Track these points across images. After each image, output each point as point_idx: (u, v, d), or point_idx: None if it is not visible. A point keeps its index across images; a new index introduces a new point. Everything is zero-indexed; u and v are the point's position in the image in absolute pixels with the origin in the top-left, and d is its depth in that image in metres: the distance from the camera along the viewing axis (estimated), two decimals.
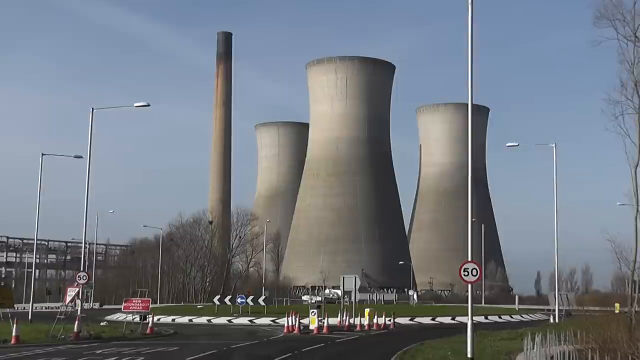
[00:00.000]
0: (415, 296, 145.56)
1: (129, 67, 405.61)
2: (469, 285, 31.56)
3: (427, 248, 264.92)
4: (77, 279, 55.10)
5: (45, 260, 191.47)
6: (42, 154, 68.24)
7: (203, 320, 77.87)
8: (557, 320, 69.65)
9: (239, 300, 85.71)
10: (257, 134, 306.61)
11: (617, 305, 43.96)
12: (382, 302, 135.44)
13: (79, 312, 52.30)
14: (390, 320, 66.20)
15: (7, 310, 60.20)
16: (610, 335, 26.70)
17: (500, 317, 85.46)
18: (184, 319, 78.91)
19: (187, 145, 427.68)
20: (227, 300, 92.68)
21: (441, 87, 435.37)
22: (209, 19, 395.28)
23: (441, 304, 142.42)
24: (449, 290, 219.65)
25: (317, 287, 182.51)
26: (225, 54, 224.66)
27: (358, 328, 62.14)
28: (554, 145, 70.40)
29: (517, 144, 67.70)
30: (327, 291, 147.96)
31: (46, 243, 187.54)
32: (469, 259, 31.01)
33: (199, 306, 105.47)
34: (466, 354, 30.23)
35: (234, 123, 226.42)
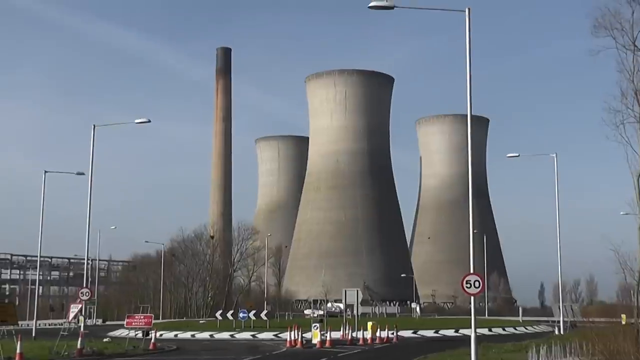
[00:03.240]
0: (418, 309, 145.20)
1: (130, 83, 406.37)
2: (472, 297, 31.44)
3: (429, 260, 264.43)
4: (79, 295, 54.98)
5: (49, 277, 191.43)
6: (45, 172, 68.23)
7: (205, 335, 77.72)
8: (562, 332, 69.48)
9: (241, 314, 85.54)
10: (258, 149, 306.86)
11: (623, 316, 43.61)
12: (385, 315, 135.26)
13: (81, 329, 52.15)
14: (393, 333, 66.08)
15: (11, 327, 60.07)
16: (617, 346, 26.57)
17: (504, 329, 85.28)
18: (187, 335, 78.77)
19: (187, 161, 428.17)
20: (229, 315, 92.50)
21: (440, 99, 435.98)
22: (207, 35, 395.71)
23: (444, 317, 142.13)
24: (452, 303, 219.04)
25: (319, 301, 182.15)
26: (224, 69, 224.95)
27: (361, 342, 61.96)
28: (554, 155, 70.37)
29: (517, 154, 67.68)
30: (329, 305, 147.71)
31: (49, 260, 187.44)
32: (471, 271, 30.88)
33: (201, 321, 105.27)
34: None
35: (234, 138, 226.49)
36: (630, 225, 31.80)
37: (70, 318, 55.15)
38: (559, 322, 74.61)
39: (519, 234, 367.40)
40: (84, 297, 54.01)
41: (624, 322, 39.43)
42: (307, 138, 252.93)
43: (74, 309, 54.94)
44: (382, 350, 54.93)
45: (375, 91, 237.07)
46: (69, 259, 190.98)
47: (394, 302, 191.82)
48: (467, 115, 32.30)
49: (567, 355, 30.99)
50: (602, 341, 28.10)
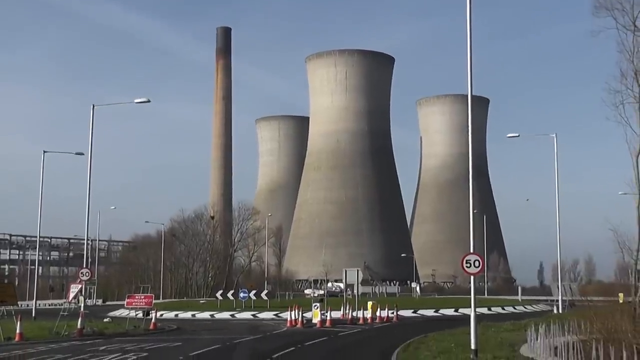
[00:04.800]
0: (418, 288, 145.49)
1: (129, 64, 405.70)
2: (472, 277, 31.49)
3: (429, 240, 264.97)
4: (79, 275, 55.12)
5: (48, 257, 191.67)
6: (44, 152, 68.15)
7: (206, 315, 77.95)
8: (560, 311, 69.69)
9: (241, 294, 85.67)
10: (258, 128, 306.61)
11: (620, 295, 43.68)
12: (385, 295, 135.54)
13: (82, 309, 52.32)
14: (393, 312, 66.32)
15: (11, 307, 60.25)
16: (614, 325, 26.67)
17: (503, 309, 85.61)
18: (187, 315, 79.01)
19: (187, 141, 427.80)
20: (229, 295, 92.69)
21: (441, 79, 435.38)
22: (207, 14, 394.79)
23: (444, 296, 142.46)
24: (452, 282, 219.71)
25: (319, 281, 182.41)
26: (224, 48, 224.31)
27: (361, 321, 62.20)
28: (554, 135, 70.36)
29: (517, 134, 67.69)
30: (329, 284, 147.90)
31: (49, 240, 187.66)
32: (471, 251, 30.91)
33: (201, 301, 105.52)
34: (470, 346, 30.17)
35: (235, 118, 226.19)
36: (628, 205, 31.87)
37: (70, 298, 55.28)
38: (557, 301, 74.89)
39: (519, 214, 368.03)
40: (84, 278, 54.14)
41: (621, 301, 39.52)
42: (308, 118, 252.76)
43: (74, 289, 55.05)
44: (382, 330, 55.11)
45: (375, 71, 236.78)
46: (68, 239, 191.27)
47: (394, 281, 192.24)
48: (467, 96, 32.24)
49: (566, 333, 31.07)
50: (600, 320, 28.20)
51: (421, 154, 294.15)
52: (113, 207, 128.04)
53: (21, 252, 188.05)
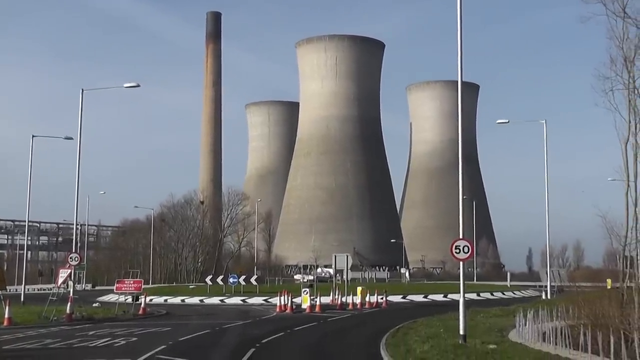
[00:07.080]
0: (407, 274, 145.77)
1: (119, 48, 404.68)
2: (461, 263, 31.52)
3: (419, 226, 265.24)
4: (68, 260, 54.98)
5: (37, 242, 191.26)
6: (33, 136, 67.80)
7: (195, 300, 77.97)
8: (549, 297, 69.89)
9: (231, 280, 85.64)
10: (248, 114, 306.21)
11: (608, 281, 43.96)
12: (374, 281, 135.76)
13: (71, 294, 52.26)
14: (382, 298, 66.39)
15: (0, 292, 60.12)
16: (602, 310, 26.80)
17: (492, 294, 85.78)
18: (177, 300, 79.00)
19: (177, 126, 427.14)
20: (219, 280, 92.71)
21: (431, 65, 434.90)
22: None
23: (433, 282, 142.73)
24: (441, 268, 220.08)
25: (309, 266, 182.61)
26: (214, 34, 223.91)
27: (350, 307, 62.28)
28: (544, 121, 70.40)
29: (507, 121, 67.68)
30: (319, 270, 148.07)
31: (38, 225, 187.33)
32: (461, 237, 30.94)
33: (191, 286, 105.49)
34: (459, 331, 30.25)
35: (224, 103, 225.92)
36: (617, 191, 31.94)
37: (59, 283, 55.19)
38: (546, 286, 75.06)
39: (508, 199, 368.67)
40: (73, 262, 54.02)
41: (609, 287, 39.73)
42: (298, 103, 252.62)
43: (63, 274, 54.94)
44: (372, 315, 55.21)
45: (366, 57, 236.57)
46: (57, 224, 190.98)
47: (384, 267, 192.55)
48: (457, 82, 32.20)
49: (554, 319, 31.20)
50: (588, 305, 28.35)
51: (411, 140, 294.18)
52: (102, 192, 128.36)
53: (10, 237, 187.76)
